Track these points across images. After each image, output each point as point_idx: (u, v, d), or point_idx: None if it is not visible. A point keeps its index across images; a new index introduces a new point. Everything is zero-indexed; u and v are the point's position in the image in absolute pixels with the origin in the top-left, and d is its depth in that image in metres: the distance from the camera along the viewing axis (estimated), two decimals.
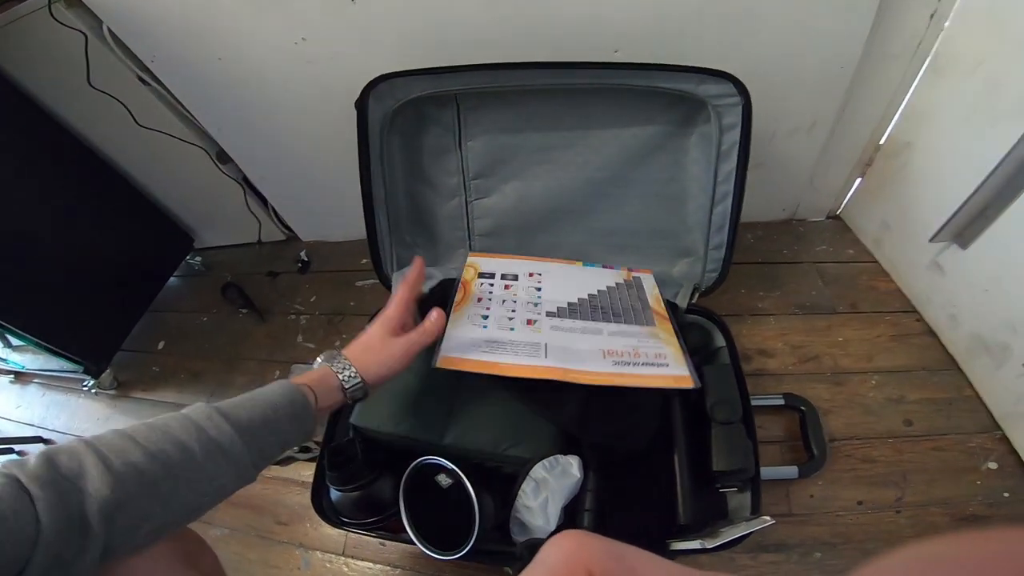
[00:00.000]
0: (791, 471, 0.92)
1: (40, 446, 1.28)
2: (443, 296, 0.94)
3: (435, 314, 0.75)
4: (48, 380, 1.44)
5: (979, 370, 0.97)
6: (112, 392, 1.34)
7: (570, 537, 0.32)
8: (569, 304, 0.91)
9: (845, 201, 1.25)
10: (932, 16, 0.89)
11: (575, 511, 0.78)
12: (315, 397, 0.62)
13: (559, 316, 0.88)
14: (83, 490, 0.40)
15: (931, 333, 1.06)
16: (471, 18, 0.88)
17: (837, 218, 1.29)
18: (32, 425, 1.36)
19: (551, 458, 0.76)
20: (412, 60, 0.89)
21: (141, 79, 1.06)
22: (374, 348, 0.70)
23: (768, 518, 0.74)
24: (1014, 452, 0.91)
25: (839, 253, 1.22)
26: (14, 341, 1.33)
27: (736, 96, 0.84)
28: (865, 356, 1.05)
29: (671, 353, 0.81)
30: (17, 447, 1.30)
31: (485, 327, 0.85)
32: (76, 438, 0.45)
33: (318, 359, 0.73)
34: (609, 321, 0.88)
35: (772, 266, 1.22)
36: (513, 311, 0.89)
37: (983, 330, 0.94)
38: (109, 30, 0.96)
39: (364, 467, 0.81)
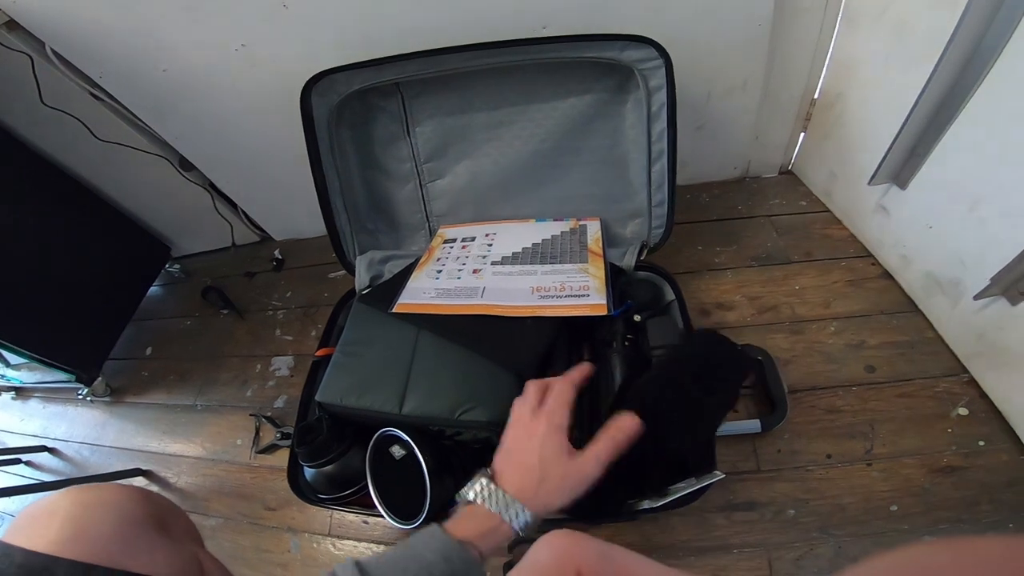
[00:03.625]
0: (754, 425, 0.92)
1: (45, 455, 1.37)
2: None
3: (625, 420, 0.58)
4: (47, 393, 1.49)
5: (936, 309, 0.98)
6: (107, 399, 1.39)
7: (562, 536, 0.31)
8: (513, 253, 1.00)
9: (794, 155, 1.27)
10: None
11: None
12: (480, 552, 0.50)
13: (502, 264, 0.98)
14: None
15: (887, 276, 1.07)
16: (401, 9, 0.90)
17: (789, 172, 1.31)
18: (36, 436, 1.42)
19: None
20: (351, 54, 0.92)
21: (93, 95, 1.07)
22: (552, 479, 0.53)
23: (719, 473, 0.75)
24: (985, 396, 0.89)
25: (792, 205, 1.24)
26: (11, 359, 1.39)
27: (658, 59, 0.87)
28: (822, 303, 1.07)
29: (595, 285, 0.89)
30: (24, 456, 1.37)
31: (437, 279, 0.97)
32: None
33: (472, 493, 0.54)
34: (546, 263, 0.96)
35: (728, 222, 1.24)
36: (464, 264, 0.99)
37: (934, 267, 0.95)
38: (52, 50, 0.98)
39: (331, 441, 0.85)
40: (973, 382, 0.92)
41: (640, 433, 0.57)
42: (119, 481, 1.17)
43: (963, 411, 0.90)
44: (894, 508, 0.84)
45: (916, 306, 1.02)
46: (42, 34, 0.97)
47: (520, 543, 0.58)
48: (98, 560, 0.45)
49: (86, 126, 1.14)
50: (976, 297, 0.84)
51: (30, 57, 1.00)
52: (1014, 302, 0.80)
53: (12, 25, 0.96)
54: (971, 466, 0.85)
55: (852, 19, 0.96)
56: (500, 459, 0.57)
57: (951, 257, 0.90)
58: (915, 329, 1.00)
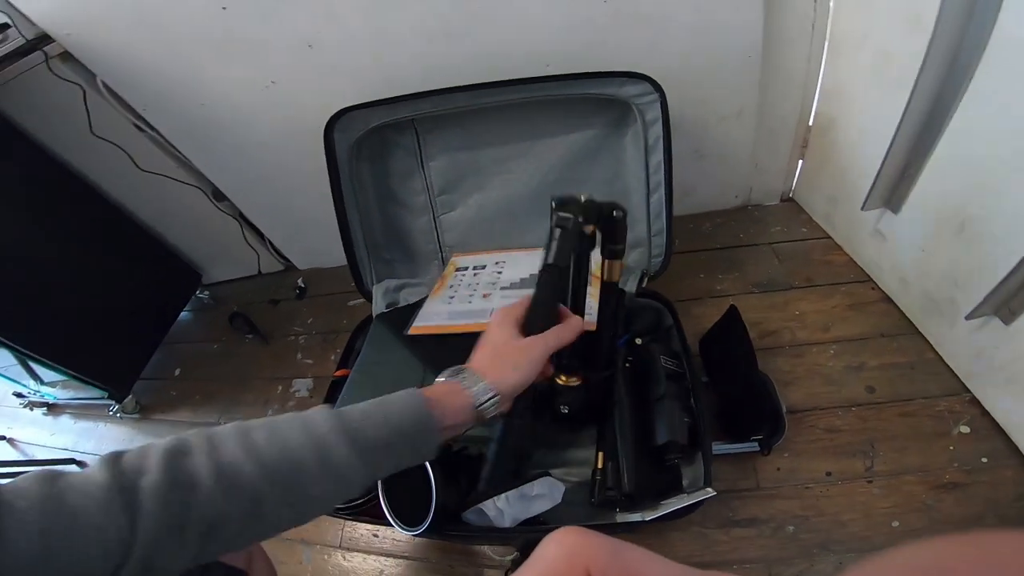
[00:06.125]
0: (751, 444, 0.93)
1: (73, 467, 1.40)
2: None
3: (575, 320, 0.65)
4: (78, 409, 1.57)
5: (936, 330, 0.99)
6: (135, 416, 1.46)
7: (571, 534, 0.31)
8: (521, 279, 1.05)
9: (794, 182, 1.30)
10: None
11: None
12: (441, 412, 0.54)
13: (511, 288, 1.03)
14: (190, 505, 0.41)
15: (887, 300, 1.09)
16: (416, 51, 0.98)
17: (790, 200, 1.34)
18: (66, 449, 1.49)
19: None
20: (370, 93, 1.00)
21: (137, 126, 1.16)
22: (503, 354, 0.59)
23: (710, 490, 0.78)
24: (986, 414, 0.90)
25: (793, 232, 1.26)
26: (45, 377, 1.47)
27: (654, 93, 0.93)
28: (822, 327, 1.09)
29: (590, 304, 0.91)
30: (53, 468, 1.42)
31: (450, 303, 1.02)
32: (202, 431, 0.45)
33: (439, 377, 0.62)
34: None
35: (730, 250, 1.27)
36: (475, 290, 1.05)
37: (931, 289, 0.97)
38: (103, 82, 1.07)
39: None
40: (975, 401, 0.92)
41: (582, 332, 0.65)
42: None
43: (965, 429, 0.90)
44: (896, 524, 0.84)
45: (916, 328, 1.03)
46: (94, 66, 1.05)
47: (529, 541, 0.66)
48: None
49: (129, 156, 1.22)
50: (968, 317, 0.86)
51: (82, 88, 1.08)
52: (1007, 321, 0.81)
53: (66, 56, 1.04)
54: (974, 482, 0.84)
55: (837, 47, 1.00)
56: (474, 350, 0.63)
57: (945, 278, 0.92)
58: (915, 350, 1.01)
